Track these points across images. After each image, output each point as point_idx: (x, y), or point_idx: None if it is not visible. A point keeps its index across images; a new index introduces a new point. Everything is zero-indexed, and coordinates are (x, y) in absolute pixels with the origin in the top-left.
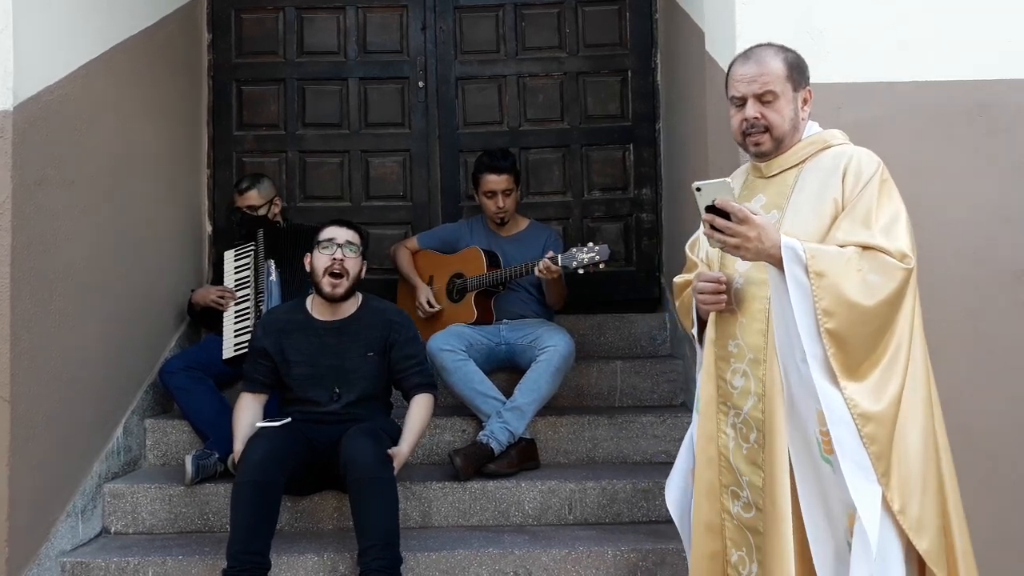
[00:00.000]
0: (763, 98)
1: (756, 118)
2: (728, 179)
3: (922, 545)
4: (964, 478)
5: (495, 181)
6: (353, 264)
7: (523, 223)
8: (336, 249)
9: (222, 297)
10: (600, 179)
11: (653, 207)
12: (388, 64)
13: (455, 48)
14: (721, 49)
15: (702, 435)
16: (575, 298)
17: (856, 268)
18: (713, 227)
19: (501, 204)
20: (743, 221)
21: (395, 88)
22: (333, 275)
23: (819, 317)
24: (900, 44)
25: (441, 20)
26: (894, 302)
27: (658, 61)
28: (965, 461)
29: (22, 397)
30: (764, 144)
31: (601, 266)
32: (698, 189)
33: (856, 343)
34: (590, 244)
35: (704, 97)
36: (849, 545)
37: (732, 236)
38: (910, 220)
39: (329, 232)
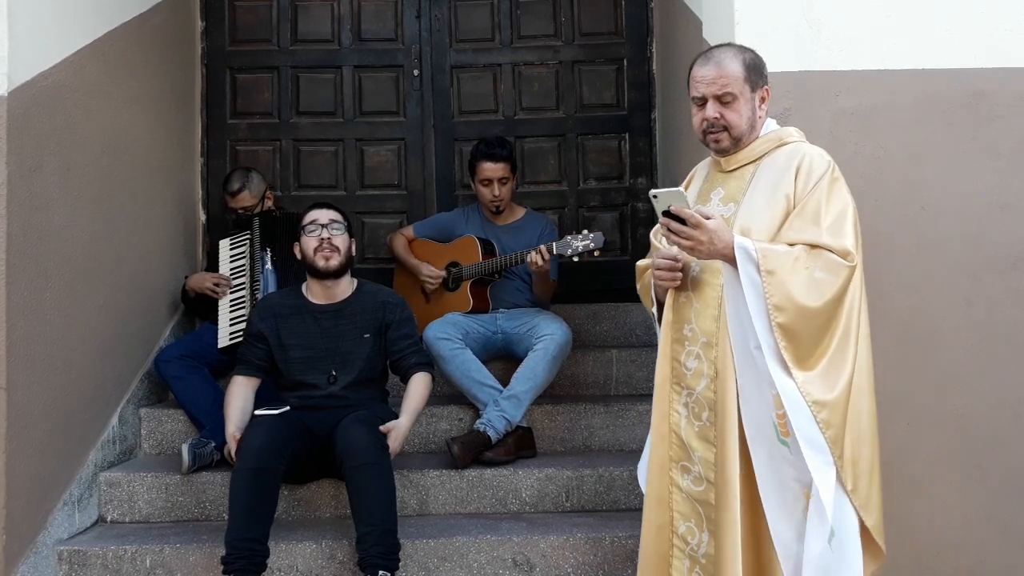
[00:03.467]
0: (722, 99)
1: (716, 118)
2: (681, 189)
3: (869, 521)
4: (958, 464)
5: (491, 169)
6: (341, 241)
7: (519, 212)
8: (321, 229)
9: (217, 285)
10: (595, 168)
11: None
12: (382, 52)
13: (450, 36)
14: (719, 37)
15: (656, 414)
16: (571, 287)
17: (804, 266)
18: (669, 230)
19: (497, 193)
20: (696, 226)
21: (389, 76)
22: (323, 251)
23: (770, 312)
24: (898, 32)
25: (436, 8)
26: (838, 299)
27: (654, 50)
28: (959, 447)
29: (18, 385)
30: (723, 142)
31: (596, 253)
32: (655, 196)
33: (805, 336)
34: (585, 232)
35: None
36: (805, 520)
37: (686, 239)
38: (857, 218)
39: (312, 215)
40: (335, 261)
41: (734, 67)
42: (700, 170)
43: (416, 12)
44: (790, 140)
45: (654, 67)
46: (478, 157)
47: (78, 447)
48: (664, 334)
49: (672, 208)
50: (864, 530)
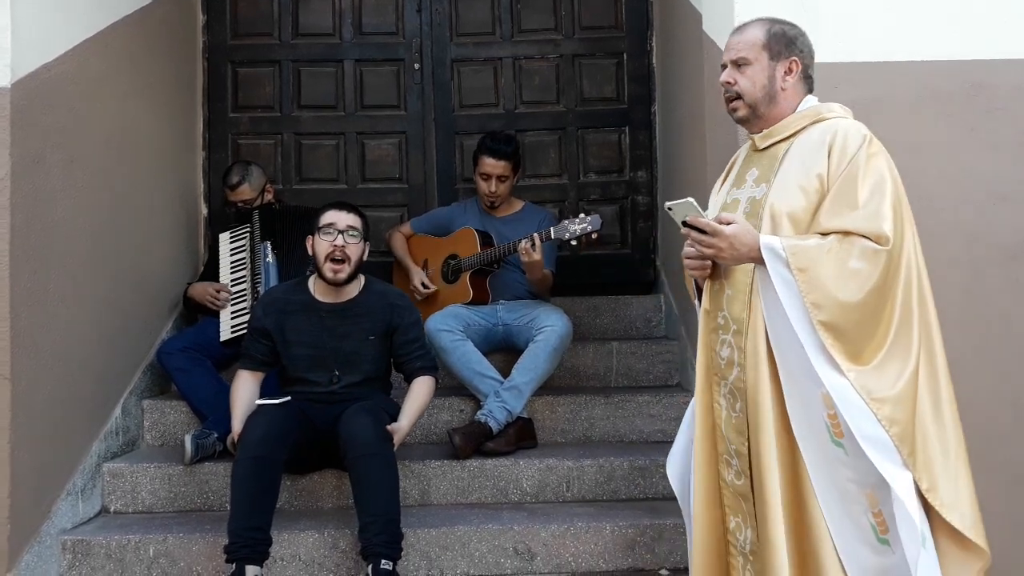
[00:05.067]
0: (737, 63)
1: (728, 83)
2: (691, 199)
3: (954, 519)
4: None
5: (491, 165)
6: (355, 250)
7: (517, 205)
8: (337, 235)
9: (217, 297)
10: (596, 162)
11: (649, 189)
12: (383, 46)
13: (451, 30)
14: (719, 30)
15: (700, 405)
16: (571, 280)
17: (836, 257)
18: (692, 238)
19: (493, 189)
20: (714, 234)
21: (390, 70)
22: (335, 260)
23: (810, 310)
24: (898, 24)
25: (437, 2)
26: (881, 287)
27: (654, 43)
28: None
29: (22, 376)
30: (739, 110)
31: (594, 236)
32: (669, 209)
33: (852, 330)
34: (582, 215)
35: (702, 78)
36: (871, 525)
37: (708, 248)
38: (901, 192)
39: (330, 216)
40: (344, 274)
41: (755, 33)
42: (741, 152)
43: (417, 6)
44: (828, 116)
45: (654, 61)
46: (482, 150)
47: (81, 438)
48: (702, 323)
49: (688, 219)
50: (955, 529)
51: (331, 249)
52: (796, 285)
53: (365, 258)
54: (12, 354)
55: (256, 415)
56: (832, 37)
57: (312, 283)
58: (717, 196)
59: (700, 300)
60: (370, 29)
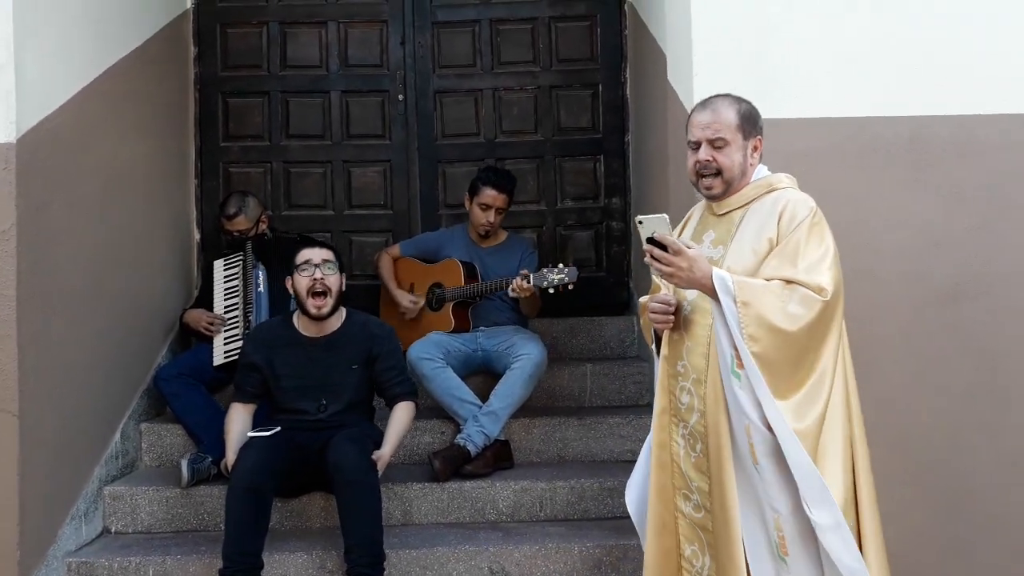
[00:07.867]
0: (715, 143)
1: (708, 160)
2: (665, 215)
3: None
4: (897, 481)
5: (493, 197)
6: (333, 281)
7: (502, 236)
8: (314, 270)
9: (212, 324)
10: (572, 189)
11: (622, 215)
12: (369, 77)
13: (433, 62)
14: (680, 81)
15: (656, 442)
16: (548, 301)
17: (777, 296)
18: (653, 256)
19: (492, 219)
20: (677, 253)
21: (375, 101)
22: (316, 295)
23: (747, 342)
24: (844, 83)
25: (420, 35)
26: (813, 331)
27: (627, 75)
28: (897, 466)
29: (29, 412)
30: (715, 188)
31: (570, 287)
32: (640, 222)
33: (778, 366)
34: (560, 266)
35: (666, 125)
36: (772, 541)
37: (667, 265)
38: (838, 259)
39: (305, 255)
40: (327, 308)
41: (728, 115)
42: (696, 211)
43: (400, 39)
44: (779, 186)
45: (628, 92)
46: (486, 182)
47: (84, 464)
48: (661, 368)
49: (656, 235)
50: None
51: (311, 283)
52: (737, 316)
53: (344, 289)
54: (20, 392)
55: (247, 447)
56: (783, 95)
57: (296, 319)
58: None
59: (657, 347)
60: (355, 61)
